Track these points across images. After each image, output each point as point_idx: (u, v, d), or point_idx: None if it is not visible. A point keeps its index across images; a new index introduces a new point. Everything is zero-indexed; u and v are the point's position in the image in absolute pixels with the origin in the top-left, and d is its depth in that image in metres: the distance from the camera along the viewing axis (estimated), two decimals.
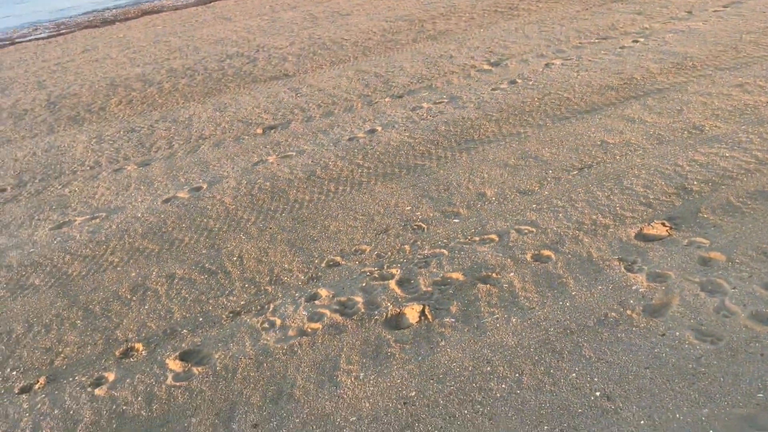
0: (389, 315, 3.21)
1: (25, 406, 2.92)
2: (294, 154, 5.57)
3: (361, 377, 2.81)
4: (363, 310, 3.27)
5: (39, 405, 2.91)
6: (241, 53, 9.77)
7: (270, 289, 3.60)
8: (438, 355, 2.88)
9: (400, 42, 9.08)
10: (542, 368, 2.71)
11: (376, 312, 3.25)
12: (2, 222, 4.99)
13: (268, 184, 5.02)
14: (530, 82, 6.52)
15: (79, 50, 12.44)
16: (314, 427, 2.58)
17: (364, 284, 3.50)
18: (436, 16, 10.56)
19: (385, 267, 3.64)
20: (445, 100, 6.34)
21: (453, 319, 3.09)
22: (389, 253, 3.78)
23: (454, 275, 3.45)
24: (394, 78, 7.35)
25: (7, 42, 15.59)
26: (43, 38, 15.30)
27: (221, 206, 4.75)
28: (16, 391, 3.03)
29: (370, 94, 6.91)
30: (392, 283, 3.46)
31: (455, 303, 3.21)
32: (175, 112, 7.28)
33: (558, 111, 5.68)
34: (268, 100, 7.21)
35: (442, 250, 3.71)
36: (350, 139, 5.70)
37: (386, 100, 6.63)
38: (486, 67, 7.26)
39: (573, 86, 6.24)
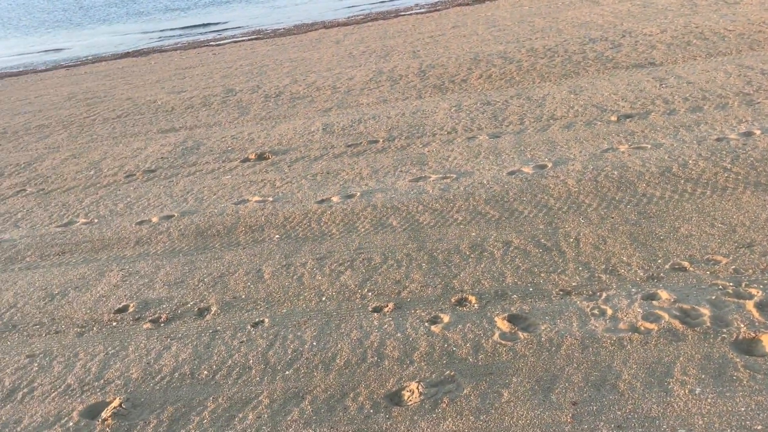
0: (740, 337, 2.86)
1: (375, 323, 3.41)
2: (649, 146, 5.25)
3: (696, 392, 2.58)
4: (708, 324, 2.97)
5: (386, 326, 3.37)
6: (605, 38, 9.49)
7: (604, 278, 3.51)
8: None
9: None
10: None
11: (724, 330, 2.92)
12: (373, 168, 5.81)
13: (615, 173, 4.84)
14: None
15: (450, 26, 13.56)
16: (636, 424, 2.47)
17: (713, 297, 3.17)
18: None
19: (743, 285, 3.23)
20: None
21: None
22: (750, 271, 3.34)
23: None
24: None
25: (392, 14, 17.82)
26: (421, 13, 17.08)
27: (563, 187, 4.75)
28: (370, 309, 3.56)
29: (751, 92, 6.08)
30: (750, 304, 3.06)
31: None
32: (530, 90, 7.47)
33: None
34: (628, 88, 6.89)
35: None
36: (719, 140, 5.13)
37: None
38: None
39: None
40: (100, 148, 7.86)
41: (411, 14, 17.27)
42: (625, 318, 3.12)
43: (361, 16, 18.79)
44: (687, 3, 11.18)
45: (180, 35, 21.82)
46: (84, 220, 5.55)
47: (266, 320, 3.59)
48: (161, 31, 24.11)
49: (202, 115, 8.84)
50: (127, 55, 18.20)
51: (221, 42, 18.10)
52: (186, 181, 6.23)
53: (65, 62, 18.61)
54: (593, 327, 3.10)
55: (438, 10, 16.90)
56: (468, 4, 16.93)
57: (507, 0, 16.26)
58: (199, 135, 7.82)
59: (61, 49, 22.56)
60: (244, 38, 18.11)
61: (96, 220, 5.51)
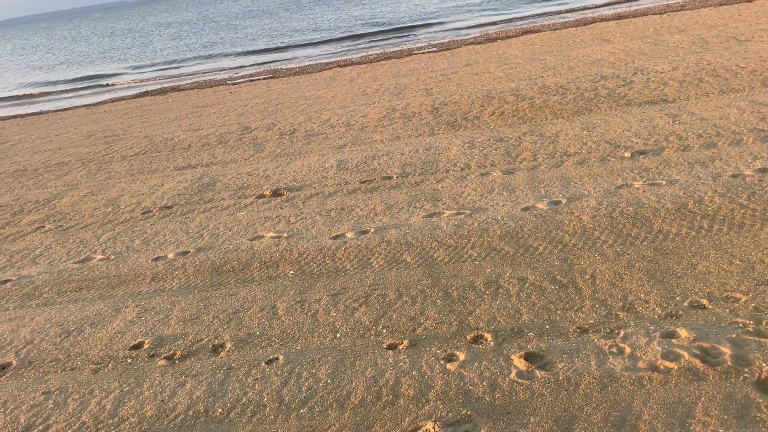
0: (762, 376, 2.80)
1: (390, 360, 3.39)
2: (664, 182, 5.24)
3: None
4: (730, 363, 2.92)
5: (401, 363, 3.35)
6: (616, 75, 9.57)
7: (622, 315, 3.48)
8: None
9: None
10: None
11: (746, 369, 2.87)
12: (387, 204, 5.84)
13: (630, 209, 4.83)
14: None
15: (462, 64, 13.75)
16: None
17: (734, 336, 3.12)
18: None
19: (764, 323, 3.18)
20: None
21: None
22: None
23: None
24: None
25: (405, 53, 18.12)
26: (433, 52, 17.35)
27: (578, 223, 4.74)
28: (385, 347, 3.53)
29: (766, 129, 6.08)
30: None
31: None
32: (542, 127, 7.52)
33: None
34: (641, 125, 6.91)
35: None
36: (734, 176, 5.11)
37: None
38: None
39: None
40: (118, 185, 7.98)
41: (424, 53, 17.54)
42: (644, 356, 3.08)
43: (374, 55, 19.11)
44: (698, 41, 11.27)
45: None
46: (101, 257, 5.61)
47: (281, 357, 3.58)
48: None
49: (219, 152, 8.97)
50: (145, 94, 18.59)
51: (237, 81, 18.46)
52: (202, 217, 6.29)
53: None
54: (612, 365, 3.05)
55: (450, 49, 17.16)
56: (480, 43, 17.18)
57: (518, 39, 16.50)
58: (215, 172, 7.92)
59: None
60: (259, 77, 18.46)
61: (113, 257, 5.56)
